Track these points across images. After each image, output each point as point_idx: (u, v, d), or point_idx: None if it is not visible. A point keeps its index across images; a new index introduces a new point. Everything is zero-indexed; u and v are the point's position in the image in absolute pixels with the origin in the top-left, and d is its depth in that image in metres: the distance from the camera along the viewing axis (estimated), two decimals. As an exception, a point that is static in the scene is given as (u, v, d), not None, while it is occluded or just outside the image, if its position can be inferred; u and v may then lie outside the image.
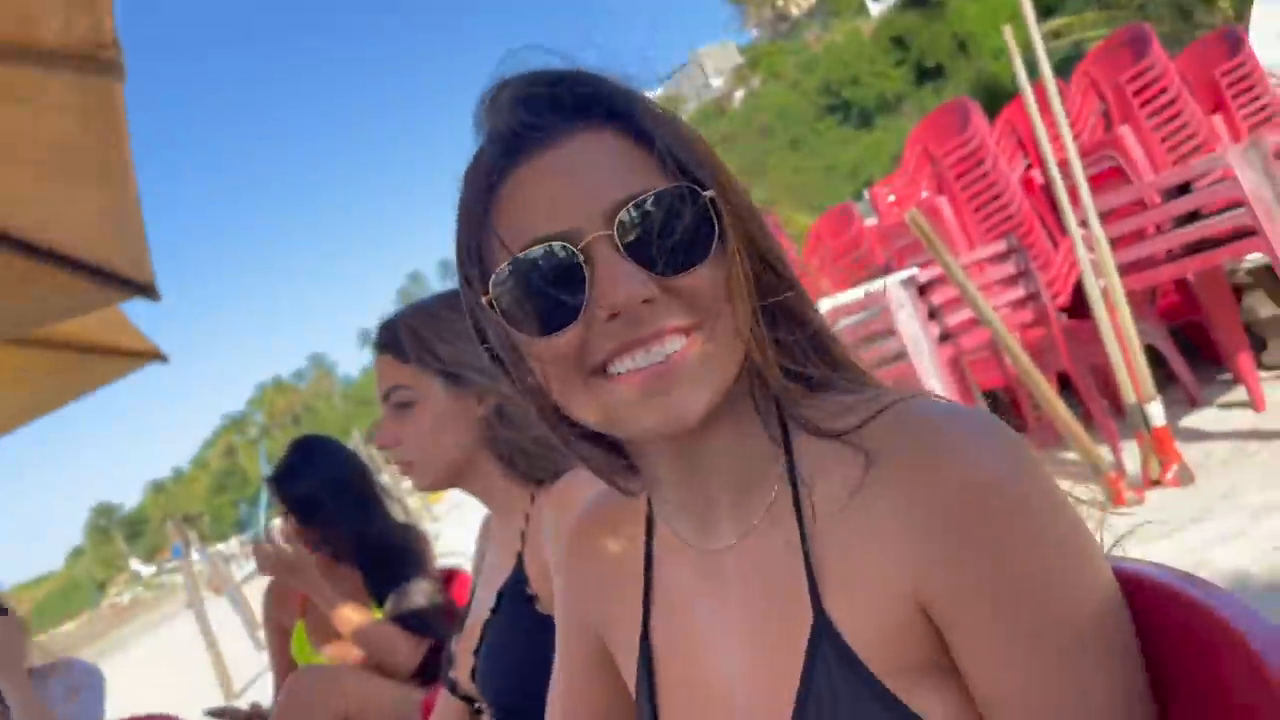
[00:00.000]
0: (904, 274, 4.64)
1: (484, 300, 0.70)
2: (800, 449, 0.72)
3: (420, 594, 2.49)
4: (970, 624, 0.64)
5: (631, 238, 0.66)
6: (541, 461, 1.33)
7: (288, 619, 2.75)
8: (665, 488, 0.78)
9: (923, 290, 4.53)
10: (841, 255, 7.12)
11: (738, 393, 0.71)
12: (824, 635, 0.67)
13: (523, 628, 1.30)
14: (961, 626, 0.64)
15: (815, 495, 0.70)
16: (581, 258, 0.66)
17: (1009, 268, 4.57)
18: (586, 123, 0.69)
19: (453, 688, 1.48)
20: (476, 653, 1.36)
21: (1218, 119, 5.38)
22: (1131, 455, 4.31)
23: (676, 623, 0.78)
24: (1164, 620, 0.65)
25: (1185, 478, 3.95)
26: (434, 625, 2.40)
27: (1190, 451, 4.20)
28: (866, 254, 6.66)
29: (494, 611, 1.35)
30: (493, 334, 0.73)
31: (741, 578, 0.74)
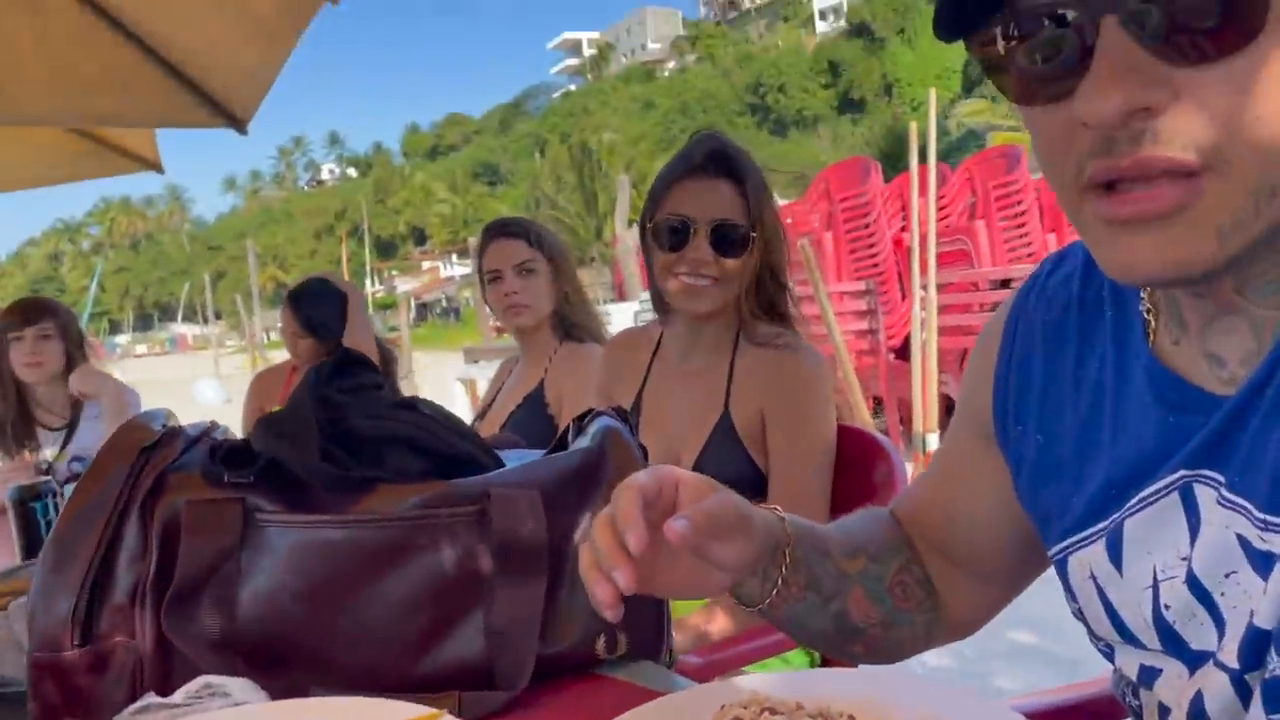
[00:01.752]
0: (783, 285, 5.72)
1: (648, 229, 1.63)
2: (743, 341, 1.66)
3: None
4: (777, 430, 1.59)
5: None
6: (575, 331, 2.27)
7: (270, 406, 3.56)
8: (677, 333, 1.72)
9: (793, 302, 5.62)
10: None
11: (730, 311, 1.66)
12: (723, 419, 1.63)
13: (537, 418, 2.25)
14: (773, 430, 1.60)
15: (739, 360, 1.65)
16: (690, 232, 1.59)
17: (862, 305, 5.71)
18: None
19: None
20: (502, 428, 2.27)
21: (1052, 236, 6.68)
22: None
23: (656, 397, 1.73)
24: (860, 450, 1.66)
25: (939, 496, 5.18)
26: None
27: (950, 480, 5.44)
28: (755, 259, 7.72)
29: (518, 408, 2.28)
30: (648, 249, 1.66)
31: (696, 385, 1.69)
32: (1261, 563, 0.62)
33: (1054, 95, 0.56)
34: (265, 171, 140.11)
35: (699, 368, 1.70)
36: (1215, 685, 0.65)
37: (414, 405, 1.00)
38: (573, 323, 2.28)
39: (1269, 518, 0.61)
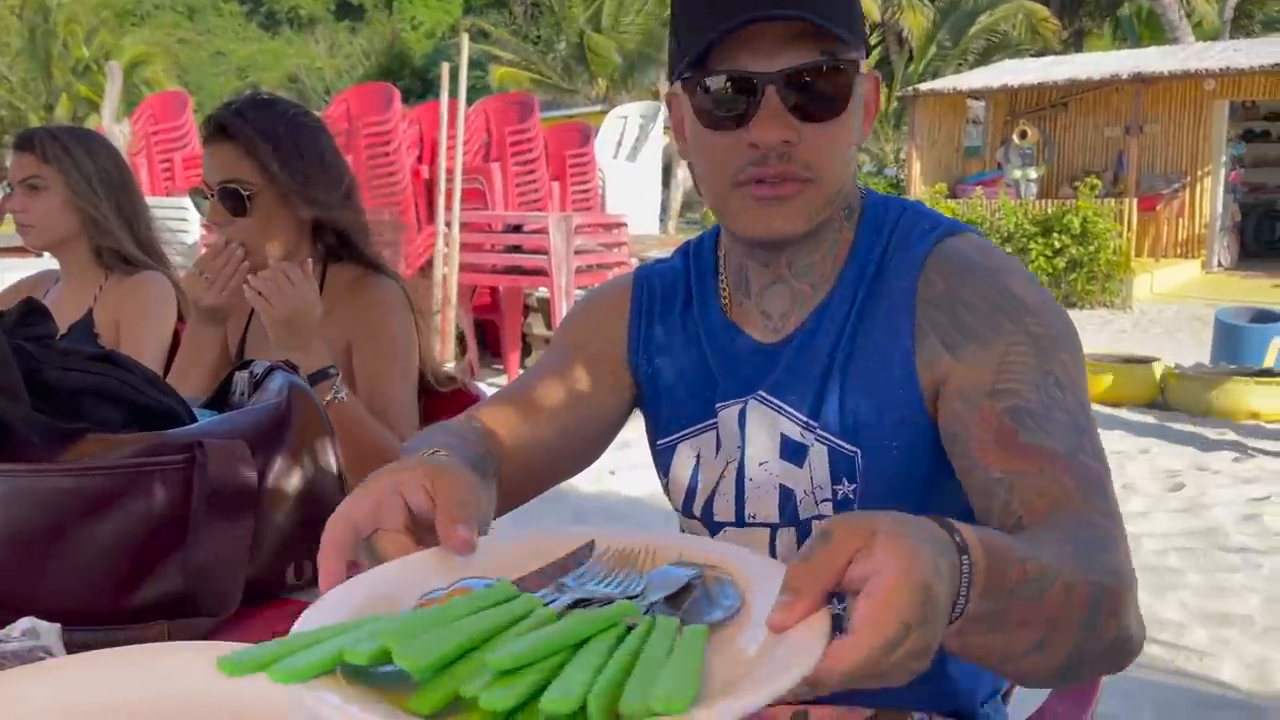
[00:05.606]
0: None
1: None
2: (327, 285, 1.73)
3: None
4: (359, 352, 1.66)
5: None
6: (124, 265, 2.11)
7: None
8: None
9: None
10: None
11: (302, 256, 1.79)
12: None
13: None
14: (356, 353, 1.66)
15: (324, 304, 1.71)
16: None
17: (385, 235, 5.83)
18: None
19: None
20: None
21: (555, 185, 7.30)
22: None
23: (258, 336, 1.76)
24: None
25: (450, 420, 5.54)
26: None
27: (459, 405, 5.83)
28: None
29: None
30: None
31: None
32: (795, 453, 1.01)
33: (730, 125, 0.92)
34: None
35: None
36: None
37: (112, 358, 1.04)
38: (116, 249, 2.10)
39: (809, 421, 1.01)
